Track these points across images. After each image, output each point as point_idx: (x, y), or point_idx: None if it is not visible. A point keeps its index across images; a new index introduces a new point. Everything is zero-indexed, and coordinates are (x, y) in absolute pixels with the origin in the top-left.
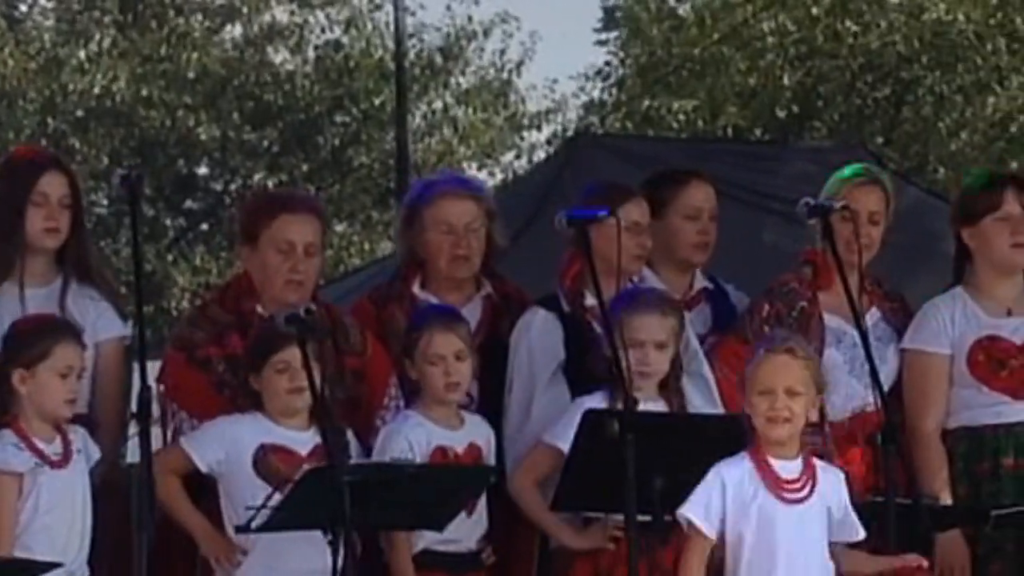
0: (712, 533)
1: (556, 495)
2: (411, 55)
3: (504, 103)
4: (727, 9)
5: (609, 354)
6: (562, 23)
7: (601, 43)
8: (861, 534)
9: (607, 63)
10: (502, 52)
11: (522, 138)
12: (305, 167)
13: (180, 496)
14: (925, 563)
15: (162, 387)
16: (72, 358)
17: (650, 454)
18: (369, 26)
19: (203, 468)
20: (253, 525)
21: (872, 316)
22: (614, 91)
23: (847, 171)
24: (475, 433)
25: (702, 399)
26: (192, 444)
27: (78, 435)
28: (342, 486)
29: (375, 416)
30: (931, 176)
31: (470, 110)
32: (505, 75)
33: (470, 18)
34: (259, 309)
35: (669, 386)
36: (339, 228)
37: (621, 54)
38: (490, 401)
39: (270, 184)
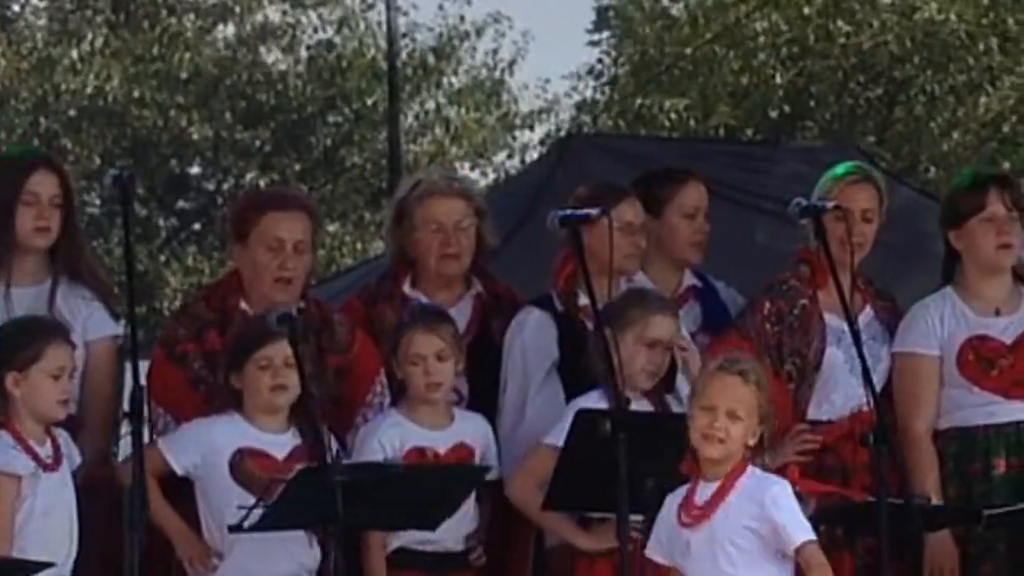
0: (669, 562)
1: (548, 494)
2: (403, 55)
3: (496, 103)
4: (719, 8)
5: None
6: (554, 23)
7: (593, 43)
8: (798, 538)
9: (599, 61)
10: (494, 52)
11: (514, 138)
12: (297, 167)
13: (156, 497)
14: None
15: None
16: (64, 359)
17: (642, 454)
18: (362, 26)
19: (179, 471)
20: (246, 524)
21: (866, 315)
22: (606, 90)
23: (839, 169)
24: (466, 433)
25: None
26: (168, 446)
27: (62, 438)
28: (334, 486)
29: (356, 414)
30: (923, 176)
31: (462, 110)
32: (497, 75)
33: (462, 18)
34: (243, 306)
35: (656, 388)
36: (331, 228)
37: (614, 53)
38: (481, 400)
39: (262, 184)
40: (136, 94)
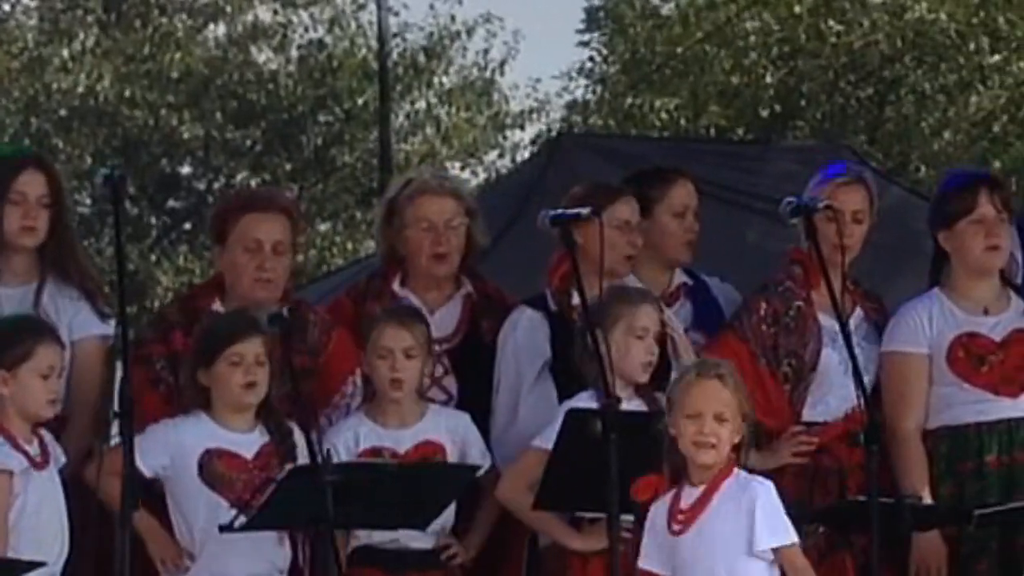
0: (666, 572)
1: (539, 494)
2: (394, 55)
3: (487, 102)
4: (710, 8)
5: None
6: (545, 23)
7: (584, 44)
8: (766, 543)
9: (590, 59)
10: (485, 52)
11: (505, 137)
12: (288, 166)
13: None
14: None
15: None
16: (54, 358)
17: (633, 454)
18: (353, 26)
19: (147, 473)
20: (236, 524)
21: (856, 316)
22: (597, 89)
23: (830, 170)
24: (435, 430)
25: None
26: (136, 449)
27: (48, 438)
28: (325, 486)
29: (321, 414)
30: (914, 175)
31: (453, 110)
32: (488, 74)
33: (453, 18)
34: (216, 306)
35: (648, 386)
36: (322, 228)
37: (604, 52)
38: (471, 400)
39: (253, 183)
40: (127, 94)
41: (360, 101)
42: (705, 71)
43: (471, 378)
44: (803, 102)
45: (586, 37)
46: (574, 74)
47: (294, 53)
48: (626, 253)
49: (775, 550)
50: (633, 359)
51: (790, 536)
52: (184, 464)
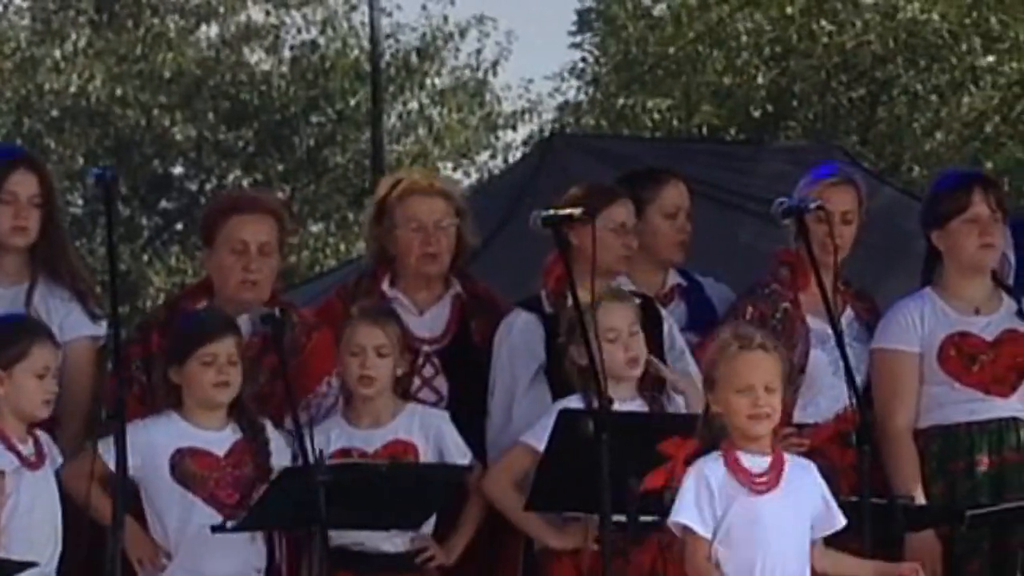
0: (708, 534)
1: (531, 495)
2: (387, 56)
3: (480, 103)
4: (702, 8)
5: (584, 355)
6: (537, 24)
7: (576, 45)
8: (841, 522)
9: (583, 60)
10: (478, 52)
11: (497, 138)
12: (280, 167)
13: (102, 498)
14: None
15: None
16: (49, 359)
17: (625, 454)
18: (345, 27)
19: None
20: (229, 525)
21: (847, 316)
22: (590, 89)
23: (820, 170)
24: (407, 429)
25: (688, 397)
26: (107, 450)
27: (44, 438)
28: (317, 486)
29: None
30: (906, 176)
31: (445, 110)
32: (480, 75)
33: (445, 19)
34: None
35: (649, 387)
36: (314, 229)
37: (596, 52)
38: (461, 400)
39: (245, 184)
40: (119, 94)
41: (352, 102)
42: (697, 71)
43: (461, 379)
44: (795, 102)
45: (578, 38)
46: (566, 75)
47: (287, 54)
48: (621, 255)
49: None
50: (610, 360)
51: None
52: (155, 464)
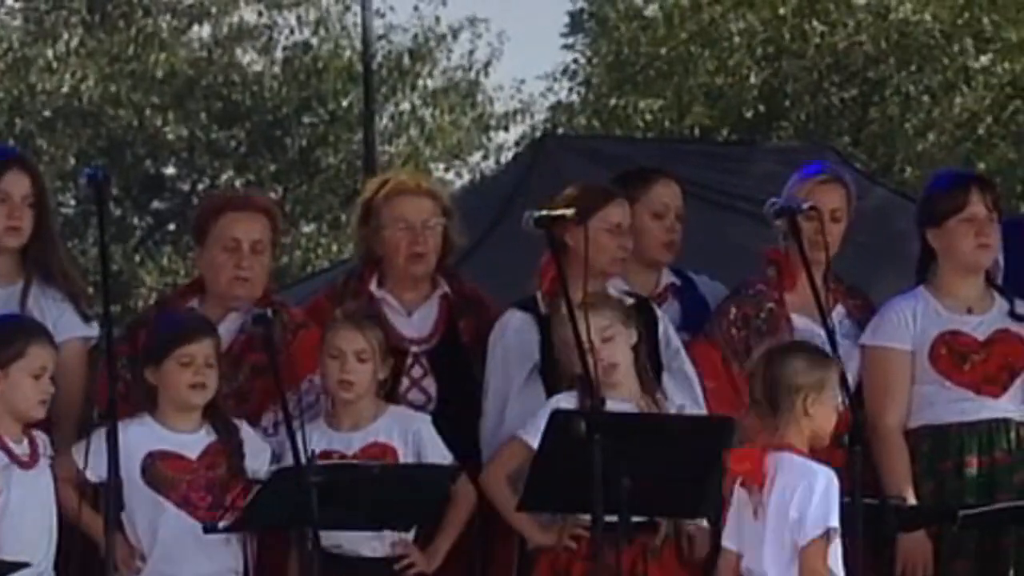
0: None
1: (523, 495)
2: (379, 57)
3: (472, 104)
4: (695, 9)
5: (576, 355)
6: (530, 25)
7: (568, 46)
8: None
9: (575, 61)
10: (470, 53)
11: (489, 139)
12: (273, 167)
13: (76, 500)
14: None
15: None
16: (46, 359)
17: (618, 454)
18: (337, 27)
19: (92, 478)
20: (221, 525)
21: (837, 314)
22: (582, 90)
23: (809, 170)
24: (386, 432)
25: (684, 397)
26: (80, 454)
27: (41, 439)
28: (309, 487)
29: (270, 410)
30: (898, 176)
31: (438, 111)
32: (473, 76)
33: (438, 20)
34: (192, 305)
35: (644, 387)
36: (306, 229)
37: (589, 53)
38: (450, 401)
39: (237, 184)
40: (112, 92)
41: (345, 103)
42: (689, 72)
43: (450, 379)
44: (787, 103)
45: (570, 39)
46: (558, 75)
47: (279, 54)
48: (616, 256)
49: None
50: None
51: None
52: (126, 468)
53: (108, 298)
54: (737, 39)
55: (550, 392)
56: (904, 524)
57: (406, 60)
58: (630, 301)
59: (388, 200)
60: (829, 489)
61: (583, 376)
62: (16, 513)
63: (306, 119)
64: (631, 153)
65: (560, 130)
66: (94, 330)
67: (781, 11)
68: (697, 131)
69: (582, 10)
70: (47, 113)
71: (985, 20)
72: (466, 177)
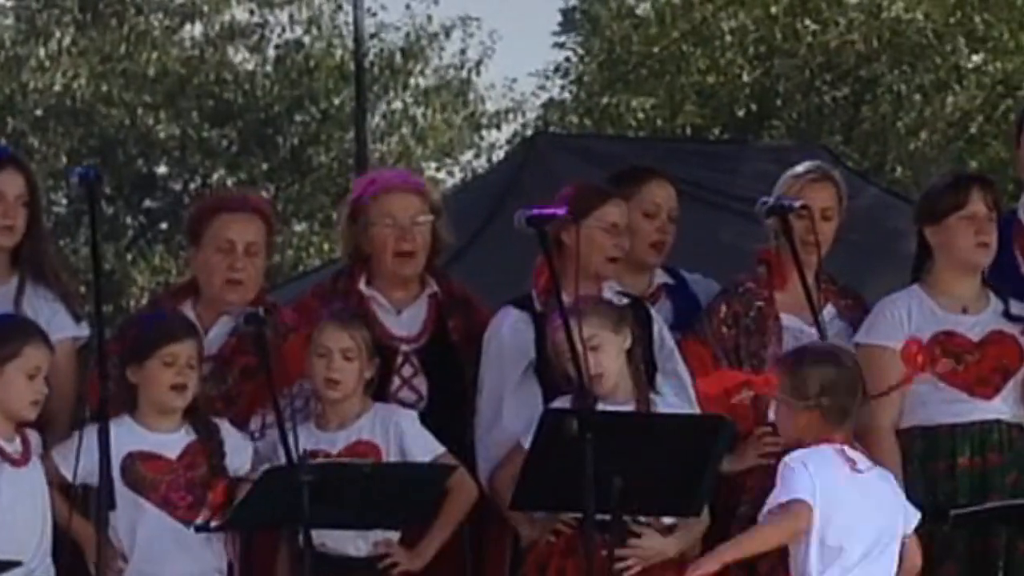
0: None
1: (515, 493)
2: (371, 55)
3: (464, 102)
4: (686, 7)
5: (569, 355)
6: (522, 23)
7: (560, 44)
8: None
9: (567, 59)
10: (462, 52)
11: (481, 137)
12: (264, 166)
13: (59, 501)
14: None
15: None
16: (41, 359)
17: (610, 454)
18: (329, 26)
19: (71, 479)
20: (212, 525)
21: (828, 313)
22: (573, 88)
23: (799, 168)
24: (370, 430)
25: (677, 398)
26: (60, 456)
27: (34, 437)
28: (301, 486)
29: (258, 413)
30: (890, 175)
31: (429, 110)
32: (464, 75)
33: (429, 18)
34: (187, 308)
35: (638, 390)
36: (298, 228)
37: (581, 51)
38: (441, 400)
39: (229, 183)
40: (103, 91)
41: (336, 101)
42: (681, 71)
43: (440, 378)
44: (779, 102)
45: (562, 38)
46: (550, 73)
47: (271, 53)
48: (611, 255)
49: None
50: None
51: None
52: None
53: (100, 297)
54: (729, 38)
55: (545, 390)
56: None
57: (398, 59)
58: (624, 301)
59: (376, 198)
60: None
61: (575, 378)
62: (7, 511)
63: (298, 118)
64: (623, 152)
65: (552, 129)
66: (84, 330)
67: (773, 10)
68: (689, 130)
69: (574, 8)
70: (39, 112)
71: (977, 19)
72: (458, 176)
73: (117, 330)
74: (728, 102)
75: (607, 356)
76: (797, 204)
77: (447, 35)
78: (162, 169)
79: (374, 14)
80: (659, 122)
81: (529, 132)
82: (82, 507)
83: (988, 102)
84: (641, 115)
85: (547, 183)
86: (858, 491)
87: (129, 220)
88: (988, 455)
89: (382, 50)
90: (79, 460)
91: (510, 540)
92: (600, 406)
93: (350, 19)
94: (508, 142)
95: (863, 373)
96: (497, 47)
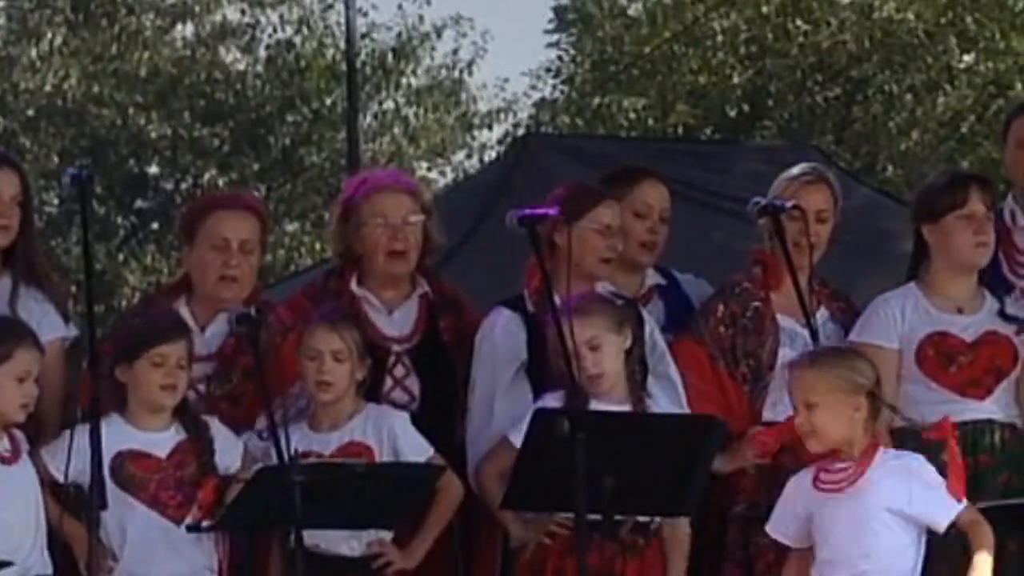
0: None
1: (506, 493)
2: (363, 55)
3: (455, 102)
4: (678, 8)
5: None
6: (514, 23)
7: (552, 44)
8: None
9: (559, 59)
10: (454, 52)
11: (473, 137)
12: (256, 166)
13: (49, 502)
14: None
15: None
16: (31, 363)
17: (601, 453)
18: (321, 26)
19: (61, 479)
20: (204, 524)
21: (821, 315)
22: (565, 88)
23: (794, 170)
24: (362, 431)
25: (668, 401)
26: (49, 455)
27: (19, 435)
28: (293, 486)
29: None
30: (882, 175)
31: (421, 110)
32: (456, 74)
33: (421, 18)
34: (180, 306)
35: (633, 391)
36: (290, 228)
37: (573, 51)
38: (433, 400)
39: (221, 183)
40: (95, 92)
41: (328, 101)
42: (673, 71)
43: (432, 378)
44: (771, 102)
45: (554, 37)
46: (542, 73)
47: (262, 53)
48: (604, 256)
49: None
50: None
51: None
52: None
53: (91, 297)
54: (720, 38)
55: (537, 391)
56: None
57: (390, 59)
58: (619, 302)
59: (367, 197)
60: None
61: (568, 376)
62: (1, 508)
63: (289, 118)
64: (614, 152)
65: (544, 128)
66: (73, 330)
67: (764, 10)
68: (681, 130)
69: (566, 7)
70: (30, 112)
71: (968, 19)
72: (449, 176)
73: (109, 330)
74: (720, 102)
75: (607, 356)
76: (789, 204)
77: (439, 35)
78: (153, 169)
79: (365, 14)
80: (651, 122)
81: (521, 132)
82: (73, 507)
83: (979, 102)
84: (633, 115)
85: (539, 183)
86: None
87: (120, 220)
88: (980, 456)
89: (374, 50)
90: (71, 460)
91: (501, 540)
92: (596, 406)
93: (341, 19)
94: (500, 142)
95: None
96: (489, 47)
